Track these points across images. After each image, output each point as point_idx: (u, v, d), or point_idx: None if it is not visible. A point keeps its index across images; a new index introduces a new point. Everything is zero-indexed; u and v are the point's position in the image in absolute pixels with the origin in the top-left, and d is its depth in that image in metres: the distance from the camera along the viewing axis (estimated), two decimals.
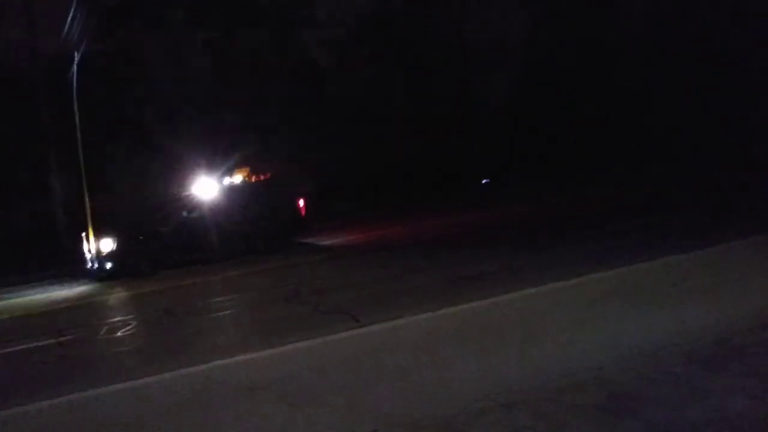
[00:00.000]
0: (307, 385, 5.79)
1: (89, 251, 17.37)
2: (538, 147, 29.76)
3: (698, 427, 4.02)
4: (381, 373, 5.86)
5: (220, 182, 18.55)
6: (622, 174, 25.58)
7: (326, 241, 18.52)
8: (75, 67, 18.60)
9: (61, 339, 9.97)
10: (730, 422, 4.04)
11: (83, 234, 17.83)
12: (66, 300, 14.45)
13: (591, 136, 30.00)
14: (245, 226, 17.50)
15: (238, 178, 18.92)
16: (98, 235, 17.00)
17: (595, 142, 29.74)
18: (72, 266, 18.52)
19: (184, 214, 17.70)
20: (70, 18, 18.53)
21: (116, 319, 11.31)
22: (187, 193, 18.39)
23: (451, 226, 18.39)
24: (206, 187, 18.11)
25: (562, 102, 30.44)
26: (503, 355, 5.91)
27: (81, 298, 14.53)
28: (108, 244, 16.54)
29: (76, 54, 18.56)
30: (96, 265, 16.89)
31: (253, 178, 19.11)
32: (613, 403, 4.52)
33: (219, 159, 19.93)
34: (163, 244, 16.83)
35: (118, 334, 9.92)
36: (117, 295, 14.45)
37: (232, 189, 18.52)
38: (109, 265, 16.61)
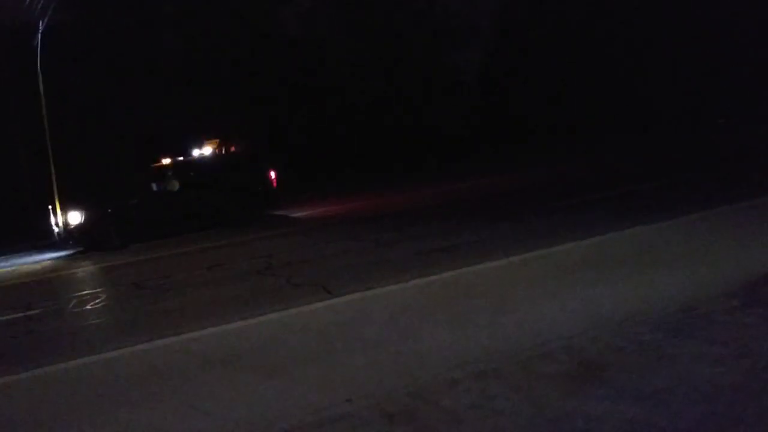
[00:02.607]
0: (280, 356, 5.81)
1: (57, 224, 17.15)
2: (515, 118, 29.81)
3: (664, 393, 4.09)
4: (353, 344, 5.89)
5: (190, 154, 18.35)
6: (593, 146, 25.77)
7: (298, 214, 18.47)
8: (39, 36, 18.21)
9: (29, 312, 9.86)
10: (695, 388, 4.13)
11: (50, 207, 17.59)
12: (33, 273, 14.27)
13: (568, 107, 30.11)
14: (216, 199, 17.34)
15: (208, 150, 18.74)
16: (66, 208, 16.76)
17: (573, 113, 29.87)
18: (39, 239, 18.28)
19: (154, 186, 17.50)
20: None
21: (85, 293, 11.19)
22: (157, 165, 18.19)
23: (423, 199, 18.41)
24: (177, 160, 17.91)
25: (539, 73, 30.46)
26: (474, 326, 5.96)
27: (49, 271, 14.37)
28: (76, 217, 16.31)
29: (40, 23, 18.16)
30: (64, 238, 16.68)
31: (224, 150, 18.93)
32: (582, 371, 4.59)
33: (189, 131, 19.71)
34: (133, 216, 16.63)
35: (88, 307, 9.82)
36: (85, 268, 14.30)
37: (203, 161, 18.34)
38: (77, 238, 16.41)
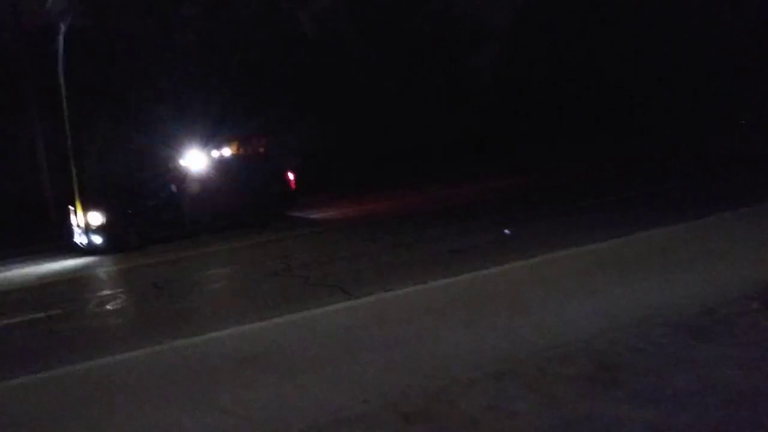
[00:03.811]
0: (298, 357, 5.82)
1: (77, 224, 17.27)
2: (530, 120, 29.70)
3: (684, 397, 4.07)
4: (371, 345, 5.89)
5: (210, 155, 18.43)
6: (613, 146, 25.62)
7: (316, 215, 18.50)
8: (61, 38, 18.36)
9: (50, 313, 9.95)
10: (715, 391, 4.10)
11: (71, 207, 17.72)
12: (53, 274, 14.39)
13: (583, 108, 29.97)
14: (235, 200, 17.41)
15: (227, 152, 18.81)
16: (86, 208, 16.88)
17: (587, 114, 29.73)
18: (59, 239, 18.43)
19: (174, 187, 17.60)
20: None
21: (105, 293, 11.29)
22: (176, 166, 18.29)
23: (441, 200, 18.38)
24: (196, 161, 18.00)
25: (554, 75, 30.36)
26: (492, 327, 5.95)
27: (69, 271, 14.48)
28: (96, 218, 16.42)
29: (61, 25, 18.31)
30: (84, 239, 16.81)
31: (243, 152, 19.00)
32: (601, 373, 4.57)
33: (208, 132, 19.79)
34: (153, 217, 16.74)
35: (108, 307, 9.90)
36: (105, 268, 14.40)
37: (222, 162, 18.42)
38: (97, 239, 16.52)
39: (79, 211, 17.14)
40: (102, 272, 14.07)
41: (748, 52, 28.63)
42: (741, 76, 28.74)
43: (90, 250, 16.52)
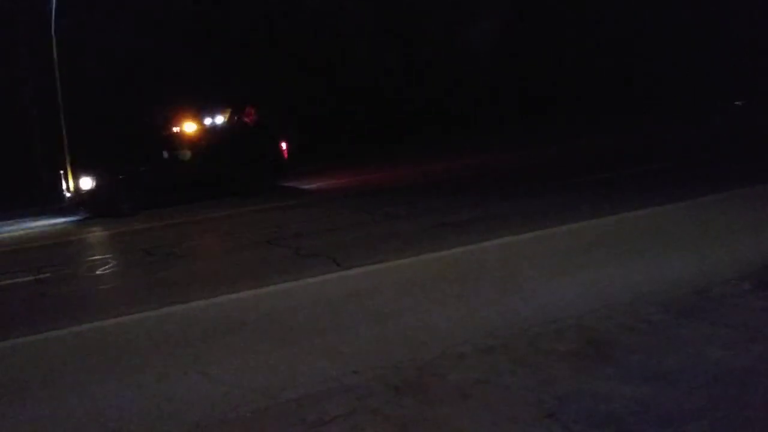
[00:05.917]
0: (288, 326, 5.82)
1: (68, 189, 17.19)
2: (526, 95, 29.59)
3: (673, 374, 4.08)
4: (361, 316, 5.89)
5: (202, 123, 18.30)
6: (609, 124, 25.55)
7: (308, 185, 18.44)
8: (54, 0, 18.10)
9: (40, 276, 9.92)
10: (704, 370, 4.11)
11: (62, 171, 17.62)
12: (44, 237, 14.34)
13: (580, 85, 29.88)
14: (227, 168, 17.33)
15: (220, 120, 18.68)
16: (77, 173, 16.79)
17: (584, 91, 29.64)
18: (50, 204, 18.35)
19: (165, 154, 17.49)
20: None
21: (95, 258, 11.25)
22: (168, 133, 18.17)
23: (435, 173, 18.34)
24: (188, 128, 17.87)
25: (551, 51, 30.21)
26: (483, 301, 5.95)
27: (59, 235, 14.43)
28: (87, 183, 16.34)
29: None
30: (75, 203, 16.74)
31: (236, 120, 18.87)
32: (591, 349, 4.58)
33: (201, 100, 19.63)
34: (144, 183, 16.65)
35: (98, 272, 9.87)
36: (96, 233, 14.35)
37: (215, 130, 18.30)
38: (87, 204, 16.45)
39: (70, 176, 17.05)
40: (92, 237, 14.03)
41: (747, 34, 28.56)
42: (738, 56, 28.70)
43: (81, 214, 16.46)
